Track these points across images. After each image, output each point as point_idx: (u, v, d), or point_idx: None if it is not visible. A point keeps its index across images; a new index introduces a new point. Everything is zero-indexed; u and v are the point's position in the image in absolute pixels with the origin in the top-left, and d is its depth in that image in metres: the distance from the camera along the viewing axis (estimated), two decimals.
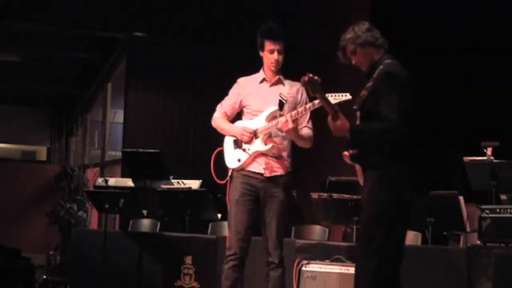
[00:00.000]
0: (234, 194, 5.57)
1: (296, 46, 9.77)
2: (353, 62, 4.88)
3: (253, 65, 5.75)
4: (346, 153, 4.80)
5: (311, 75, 4.64)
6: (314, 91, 4.69)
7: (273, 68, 5.61)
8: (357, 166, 4.86)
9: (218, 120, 5.77)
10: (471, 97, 8.97)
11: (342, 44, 4.86)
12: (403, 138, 4.62)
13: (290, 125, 5.40)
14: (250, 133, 5.56)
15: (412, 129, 4.69)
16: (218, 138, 5.78)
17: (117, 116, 12.20)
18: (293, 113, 5.42)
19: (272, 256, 5.52)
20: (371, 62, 4.81)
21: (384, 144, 4.62)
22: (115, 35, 11.77)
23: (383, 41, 4.84)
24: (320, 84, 4.66)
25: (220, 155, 5.73)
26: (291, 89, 5.65)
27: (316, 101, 5.27)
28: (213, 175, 5.76)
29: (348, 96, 5.26)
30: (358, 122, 4.80)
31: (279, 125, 5.44)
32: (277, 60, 5.58)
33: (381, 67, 4.71)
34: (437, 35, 9.19)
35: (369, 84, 4.75)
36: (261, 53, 5.64)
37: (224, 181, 5.67)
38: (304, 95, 5.66)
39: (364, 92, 4.76)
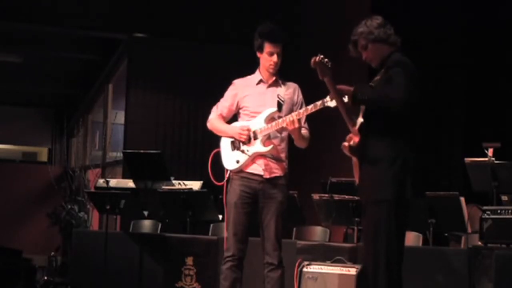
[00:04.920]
0: (232, 197, 5.56)
1: (296, 46, 9.79)
2: (363, 58, 4.85)
3: (253, 66, 5.74)
4: (345, 144, 4.78)
5: (321, 56, 4.60)
6: (323, 74, 4.63)
7: (271, 71, 5.58)
8: (354, 160, 4.83)
9: (214, 121, 5.74)
10: (472, 97, 8.97)
11: (353, 38, 4.82)
12: (403, 111, 4.58)
13: (296, 124, 5.39)
14: (248, 130, 5.53)
15: (417, 121, 4.70)
16: (219, 139, 5.76)
17: (118, 117, 12.20)
18: (309, 107, 5.37)
19: (271, 257, 5.51)
20: (381, 59, 4.79)
21: (382, 106, 4.58)
22: (116, 36, 11.76)
23: (395, 39, 4.81)
24: (329, 68, 4.62)
25: (218, 156, 5.72)
26: (288, 90, 5.62)
27: (319, 102, 5.24)
28: (211, 176, 5.75)
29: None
30: (361, 115, 4.79)
31: (284, 124, 5.42)
32: (276, 63, 5.55)
33: (391, 59, 4.71)
34: (437, 35, 9.19)
35: (377, 78, 4.74)
36: (258, 54, 5.59)
37: (222, 183, 5.66)
38: (301, 96, 5.65)
39: (370, 85, 4.75)
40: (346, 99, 4.70)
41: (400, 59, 4.71)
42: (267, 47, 5.52)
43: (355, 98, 4.64)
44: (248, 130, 5.53)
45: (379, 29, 4.77)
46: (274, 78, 5.63)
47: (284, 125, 5.42)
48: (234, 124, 5.71)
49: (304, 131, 5.59)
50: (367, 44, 4.78)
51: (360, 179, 4.82)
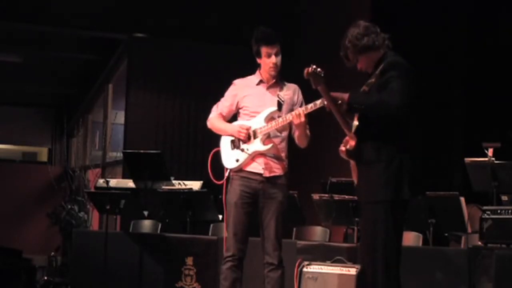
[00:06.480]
0: (232, 196, 5.57)
1: (296, 46, 9.79)
2: (358, 68, 4.87)
3: (253, 66, 5.74)
4: (342, 148, 4.80)
5: (314, 66, 4.62)
6: (316, 83, 4.66)
7: (272, 73, 5.59)
8: (352, 163, 4.85)
9: (214, 120, 5.76)
10: (472, 97, 8.97)
11: (343, 53, 4.85)
12: (401, 117, 4.58)
13: (302, 118, 5.38)
14: (247, 129, 5.54)
15: (414, 123, 4.70)
16: (219, 139, 5.77)
17: (118, 117, 12.20)
18: (309, 106, 5.36)
19: (271, 257, 5.52)
20: (374, 64, 4.80)
21: (380, 114, 4.59)
22: (116, 36, 11.77)
23: (382, 40, 4.80)
24: (323, 76, 4.63)
25: (217, 155, 5.72)
26: (287, 90, 5.64)
27: (318, 101, 5.24)
28: (210, 175, 5.76)
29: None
30: (356, 119, 4.79)
31: (290, 118, 5.41)
32: (275, 63, 5.56)
33: (384, 61, 4.71)
34: (438, 35, 9.19)
35: (371, 80, 4.75)
36: (258, 60, 5.61)
37: (222, 182, 5.67)
38: (301, 96, 5.67)
39: (364, 88, 4.76)
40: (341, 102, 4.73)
41: (394, 61, 4.70)
42: (264, 50, 5.54)
43: (351, 107, 4.66)
44: (248, 128, 5.55)
45: (362, 39, 4.76)
46: (274, 79, 5.64)
47: (290, 118, 5.41)
48: (234, 123, 5.72)
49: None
50: (356, 57, 4.80)
51: (357, 181, 4.84)
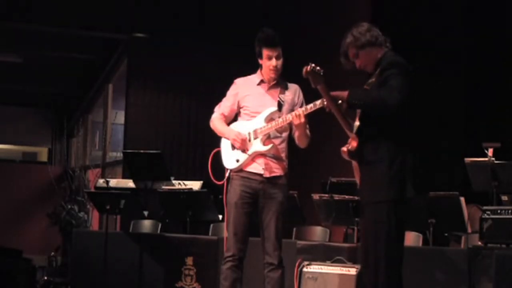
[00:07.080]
0: (232, 196, 5.57)
1: (296, 47, 9.78)
2: (357, 66, 4.86)
3: (253, 66, 5.75)
4: (344, 149, 4.80)
5: (313, 65, 4.61)
6: (315, 82, 4.65)
7: (272, 75, 5.61)
8: (354, 164, 4.84)
9: (216, 121, 5.77)
10: (472, 97, 8.97)
11: (343, 50, 4.85)
12: (399, 114, 4.58)
13: (302, 119, 5.39)
14: (242, 140, 5.56)
15: (412, 124, 4.71)
16: (219, 139, 5.78)
17: (118, 117, 12.21)
18: (309, 106, 5.37)
19: (271, 257, 5.53)
20: (374, 62, 4.80)
21: (379, 111, 4.59)
22: (116, 36, 11.77)
23: (383, 39, 4.82)
24: (322, 75, 4.63)
25: (218, 156, 5.73)
26: (288, 91, 5.65)
27: (318, 102, 5.23)
28: (211, 175, 5.77)
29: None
30: (357, 119, 4.79)
31: (290, 118, 5.42)
32: (275, 66, 5.57)
33: (384, 61, 4.71)
34: (438, 35, 9.19)
35: (371, 80, 4.75)
36: (260, 61, 5.63)
37: (222, 182, 5.68)
38: (301, 96, 5.67)
39: (365, 88, 4.76)
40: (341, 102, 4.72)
41: (394, 60, 4.71)
42: (265, 52, 5.56)
43: (350, 104, 4.66)
44: (243, 139, 5.55)
45: (365, 34, 4.78)
46: (275, 80, 5.65)
47: (290, 118, 5.41)
48: (234, 124, 5.73)
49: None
50: (357, 51, 4.80)
51: (360, 181, 4.84)
